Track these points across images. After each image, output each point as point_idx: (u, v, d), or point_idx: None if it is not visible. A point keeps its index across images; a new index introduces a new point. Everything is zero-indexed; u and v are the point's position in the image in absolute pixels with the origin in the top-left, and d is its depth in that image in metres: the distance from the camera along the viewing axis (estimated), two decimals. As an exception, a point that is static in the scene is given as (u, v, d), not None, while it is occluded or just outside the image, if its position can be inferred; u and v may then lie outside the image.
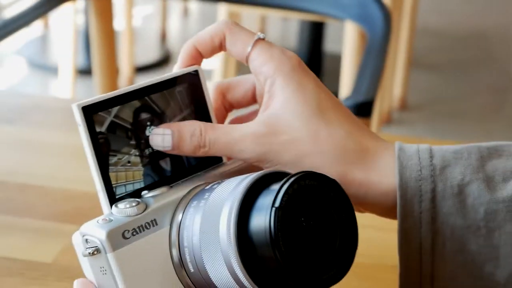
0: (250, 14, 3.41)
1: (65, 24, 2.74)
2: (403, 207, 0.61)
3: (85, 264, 0.59)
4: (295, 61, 0.64)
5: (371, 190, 0.62)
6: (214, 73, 2.41)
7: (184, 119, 0.64)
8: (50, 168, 1.00)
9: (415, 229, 0.61)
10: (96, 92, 2.03)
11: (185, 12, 4.21)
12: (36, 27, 3.69)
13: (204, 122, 0.64)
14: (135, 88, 0.62)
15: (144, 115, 0.62)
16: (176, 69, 0.66)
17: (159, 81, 0.63)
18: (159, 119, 0.63)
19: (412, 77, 3.28)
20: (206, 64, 0.68)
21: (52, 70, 3.21)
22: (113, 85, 1.96)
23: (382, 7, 1.52)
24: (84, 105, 0.59)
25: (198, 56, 0.66)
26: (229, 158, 0.68)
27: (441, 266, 0.61)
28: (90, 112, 0.59)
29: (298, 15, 2.42)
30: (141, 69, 3.31)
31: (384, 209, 0.63)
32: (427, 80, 3.49)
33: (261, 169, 0.63)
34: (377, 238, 0.88)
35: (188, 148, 0.63)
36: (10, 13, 3.59)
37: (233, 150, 0.63)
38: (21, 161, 1.02)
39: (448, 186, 0.61)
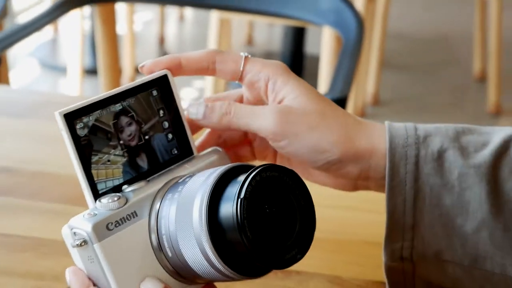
0: (239, 20, 3.41)
1: (73, 28, 2.74)
2: (392, 168, 0.65)
3: (75, 254, 0.60)
4: (283, 66, 0.68)
5: (374, 155, 0.66)
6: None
7: (158, 121, 0.65)
8: (59, 157, 1.00)
9: (400, 186, 0.65)
10: (101, 90, 2.03)
11: (181, 18, 4.20)
12: (47, 32, 3.68)
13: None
14: (110, 94, 0.62)
15: (122, 118, 0.62)
16: (149, 61, 0.66)
17: (132, 86, 0.63)
18: (135, 121, 0.63)
19: (384, 76, 3.29)
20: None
21: (61, 70, 3.21)
22: (116, 83, 1.96)
23: (356, 14, 1.52)
24: (65, 112, 0.59)
25: (178, 67, 0.67)
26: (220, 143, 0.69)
27: (421, 217, 0.65)
28: (71, 118, 0.59)
29: (282, 21, 2.43)
30: (142, 69, 3.29)
31: (382, 173, 0.67)
32: (397, 79, 3.50)
33: (226, 162, 0.65)
34: (350, 217, 0.89)
35: (216, 115, 0.66)
36: (23, 18, 3.59)
37: (253, 120, 0.66)
38: (34, 151, 1.03)
39: (429, 152, 0.65)
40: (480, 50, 3.42)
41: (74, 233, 0.58)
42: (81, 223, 0.58)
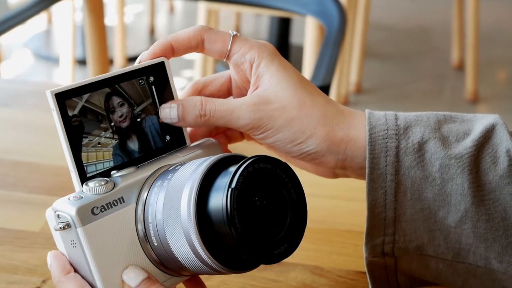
0: (226, 11, 3.38)
1: (66, 20, 2.70)
2: (372, 160, 0.61)
3: (57, 237, 0.56)
4: (271, 47, 0.64)
5: (350, 146, 0.62)
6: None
7: (150, 106, 0.61)
8: (41, 146, 0.96)
9: (381, 179, 0.61)
10: (90, 79, 1.98)
11: (171, 9, 4.17)
12: (40, 23, 3.64)
13: (204, 96, 0.63)
14: (105, 77, 0.58)
15: (114, 101, 0.59)
16: (144, 55, 0.62)
17: (127, 70, 0.60)
18: (128, 105, 0.59)
19: (366, 66, 3.27)
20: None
21: (55, 60, 3.17)
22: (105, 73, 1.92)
23: (338, 4, 1.50)
24: (57, 91, 0.55)
25: (170, 51, 0.63)
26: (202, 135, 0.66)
27: (402, 210, 0.61)
28: (63, 98, 0.56)
29: (269, 12, 2.39)
30: (132, 59, 3.27)
31: (359, 164, 0.62)
32: (378, 67, 3.48)
33: (219, 153, 0.60)
34: (331, 206, 0.85)
35: (191, 117, 0.62)
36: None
37: (231, 117, 0.61)
38: (15, 140, 0.98)
39: (410, 144, 0.61)
40: (458, 40, 3.41)
41: (58, 215, 0.54)
42: (66, 206, 0.54)
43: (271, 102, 0.62)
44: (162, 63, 0.62)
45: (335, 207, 0.85)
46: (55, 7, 3.20)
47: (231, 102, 0.62)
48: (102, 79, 0.58)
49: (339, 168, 0.64)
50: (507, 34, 3.96)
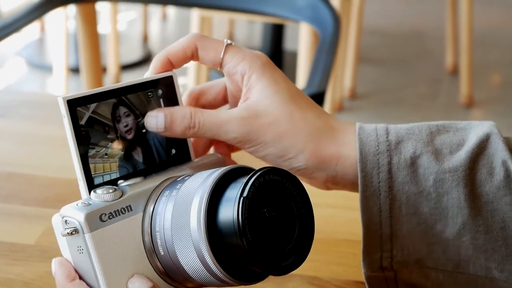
0: (220, 18, 3.37)
1: (59, 28, 2.70)
2: (364, 178, 0.60)
3: (63, 243, 0.56)
4: (264, 58, 0.63)
5: (341, 163, 0.61)
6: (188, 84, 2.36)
7: None
8: (35, 157, 0.95)
9: (375, 196, 0.60)
10: (84, 88, 1.98)
11: (164, 17, 4.17)
12: (33, 31, 3.63)
13: (193, 107, 0.62)
14: (116, 87, 0.59)
15: (120, 111, 0.59)
16: (147, 75, 0.63)
17: (137, 82, 0.60)
18: (133, 116, 0.60)
19: (360, 71, 3.27)
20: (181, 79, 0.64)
21: (48, 69, 3.16)
22: (99, 82, 1.92)
23: (332, 10, 1.50)
24: (69, 98, 0.56)
25: (170, 66, 0.63)
26: (203, 151, 0.66)
27: (399, 226, 0.61)
28: (74, 105, 0.56)
29: (262, 18, 2.39)
30: (126, 67, 3.28)
31: (350, 180, 0.62)
32: (373, 73, 3.48)
33: (225, 165, 0.61)
34: (329, 215, 0.84)
35: (178, 128, 0.61)
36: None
37: (219, 131, 0.61)
38: (9, 151, 0.97)
39: (402, 159, 0.60)
40: (452, 44, 3.41)
41: (66, 221, 0.54)
42: (74, 212, 0.54)
43: (260, 117, 0.61)
44: (171, 77, 0.63)
45: (333, 216, 0.85)
46: (48, 16, 3.19)
47: (221, 114, 0.61)
48: (113, 89, 0.59)
49: (330, 183, 0.64)
50: (501, 38, 3.96)
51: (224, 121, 0.61)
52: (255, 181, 0.52)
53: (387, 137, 0.61)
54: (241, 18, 3.55)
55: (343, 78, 2.97)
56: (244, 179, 0.52)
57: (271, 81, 0.62)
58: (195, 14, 2.27)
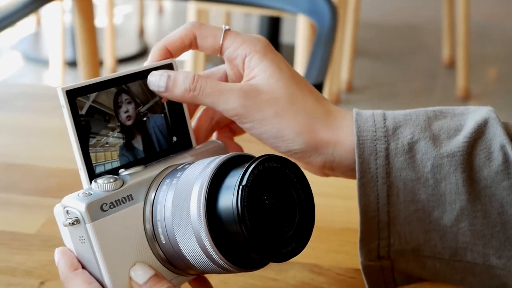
0: (216, 11, 3.37)
1: (55, 22, 2.70)
2: (361, 164, 0.60)
3: (65, 233, 0.56)
4: (264, 41, 0.63)
5: (338, 148, 0.61)
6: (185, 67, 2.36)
7: (157, 104, 0.61)
8: (33, 148, 0.96)
9: (372, 183, 0.60)
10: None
11: (160, 10, 4.17)
12: (30, 25, 3.62)
13: (198, 73, 0.62)
14: (115, 76, 0.59)
15: (122, 97, 0.59)
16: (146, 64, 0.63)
17: (136, 71, 0.60)
18: (134, 105, 0.60)
19: (357, 64, 3.27)
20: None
21: (44, 63, 3.15)
22: (96, 75, 1.92)
23: (329, 2, 1.50)
24: (68, 89, 0.56)
25: (168, 55, 0.63)
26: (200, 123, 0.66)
27: (396, 213, 0.61)
28: (73, 95, 0.56)
29: (258, 11, 2.39)
30: (122, 61, 3.27)
31: (348, 166, 0.62)
32: (369, 66, 3.48)
33: (226, 152, 0.61)
34: (328, 205, 0.85)
35: (179, 90, 0.60)
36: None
37: (219, 99, 0.60)
38: (6, 143, 0.98)
39: (400, 145, 0.60)
40: (448, 38, 3.41)
41: (67, 211, 0.54)
42: (75, 202, 0.54)
43: (261, 93, 0.61)
44: (171, 65, 0.62)
45: (332, 205, 0.85)
46: (44, 9, 3.19)
47: (223, 84, 0.61)
48: (112, 78, 0.59)
49: (328, 169, 0.63)
50: (498, 31, 3.97)
51: (226, 90, 0.60)
52: (254, 169, 0.52)
53: (384, 123, 0.61)
54: (237, 11, 3.55)
55: (340, 71, 2.98)
56: (244, 167, 0.52)
57: (273, 62, 0.62)
58: (192, 7, 2.27)
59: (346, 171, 0.63)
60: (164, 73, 0.60)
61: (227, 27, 0.63)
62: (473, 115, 0.62)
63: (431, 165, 0.59)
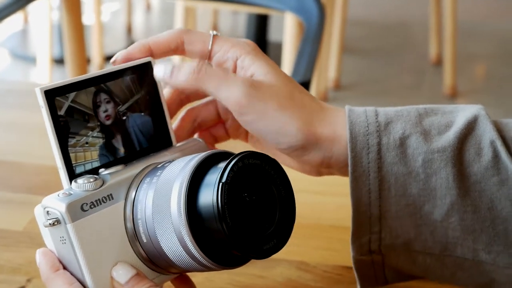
0: (204, 8, 3.37)
1: (42, 19, 2.69)
2: (354, 158, 0.60)
3: (46, 234, 0.56)
4: (253, 45, 0.63)
5: (336, 143, 0.61)
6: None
7: (136, 103, 0.61)
8: (22, 145, 0.95)
9: (364, 177, 0.61)
10: (68, 78, 1.97)
11: (148, 7, 4.16)
12: (17, 22, 3.61)
13: None
14: (93, 76, 0.58)
15: (101, 97, 0.59)
16: (121, 55, 0.62)
17: (114, 70, 0.60)
18: (113, 104, 0.60)
19: (345, 61, 3.27)
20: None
21: (32, 60, 3.14)
22: (83, 72, 1.92)
23: (317, 0, 1.50)
24: (46, 89, 0.55)
25: (149, 53, 0.63)
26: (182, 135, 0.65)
27: (387, 207, 0.61)
28: (52, 95, 0.56)
29: (246, 9, 2.39)
30: (110, 58, 3.22)
31: (344, 162, 0.62)
32: (357, 63, 3.49)
33: (206, 150, 0.60)
34: (316, 202, 0.85)
35: (184, 73, 0.59)
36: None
37: (223, 83, 0.60)
38: (-5, 140, 0.97)
39: (391, 140, 0.60)
40: (436, 35, 3.42)
41: (47, 212, 0.54)
42: (55, 203, 0.54)
43: (264, 86, 0.61)
44: (149, 63, 0.62)
45: (320, 202, 0.85)
46: (31, 7, 3.18)
47: (228, 73, 0.61)
48: (90, 78, 0.58)
49: (325, 166, 0.64)
50: (485, 29, 3.98)
51: (231, 76, 0.60)
52: (234, 166, 0.52)
53: (376, 118, 0.61)
54: (225, 9, 3.54)
55: (328, 68, 2.98)
56: (223, 164, 0.52)
57: (266, 62, 0.62)
58: (179, 4, 2.27)
59: (342, 167, 0.63)
60: (169, 62, 0.60)
61: (215, 32, 0.63)
62: (463, 112, 0.63)
63: (422, 159, 0.60)
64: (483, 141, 0.60)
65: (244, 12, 3.28)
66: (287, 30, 2.05)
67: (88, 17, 3.15)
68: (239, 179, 0.52)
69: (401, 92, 3.20)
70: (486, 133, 0.61)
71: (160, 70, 0.61)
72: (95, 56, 3.09)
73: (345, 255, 0.75)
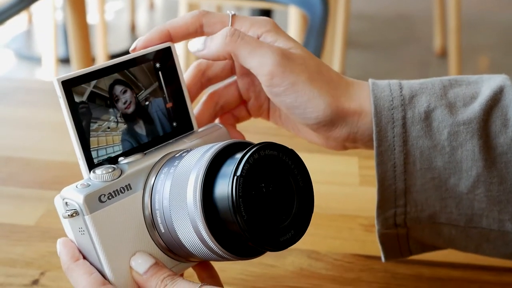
0: (207, 5, 3.37)
1: (46, 19, 2.69)
2: (379, 133, 0.60)
3: (66, 224, 0.56)
4: (272, 21, 0.63)
5: (362, 118, 0.61)
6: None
7: (157, 89, 0.61)
8: (31, 142, 0.96)
9: (389, 151, 0.61)
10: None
11: (151, 6, 4.16)
12: (21, 23, 3.61)
13: None
14: (112, 63, 0.58)
15: (116, 90, 0.59)
16: (141, 41, 0.62)
17: (133, 56, 0.60)
18: (134, 90, 0.60)
19: (348, 55, 3.27)
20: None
21: (37, 60, 3.15)
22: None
23: (320, -8, 1.50)
24: (63, 79, 0.56)
25: (167, 38, 0.62)
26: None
27: (413, 181, 0.61)
28: (69, 85, 0.56)
29: (250, 3, 2.39)
30: (114, 57, 3.25)
31: (370, 136, 0.62)
32: (361, 57, 3.48)
33: (226, 139, 0.60)
34: (325, 192, 0.85)
35: (217, 39, 0.60)
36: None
37: (257, 50, 0.59)
38: (5, 136, 0.98)
39: (416, 113, 0.60)
40: (440, 27, 3.42)
41: (66, 203, 0.54)
42: (73, 194, 0.54)
43: (294, 58, 0.60)
44: (169, 48, 0.62)
45: (328, 192, 0.86)
46: (35, 7, 3.18)
47: (262, 41, 0.61)
48: (108, 66, 0.58)
49: (350, 141, 0.63)
50: (489, 20, 3.98)
51: (264, 45, 0.60)
52: (250, 158, 0.51)
53: (401, 92, 0.61)
54: (229, 4, 3.55)
55: (332, 63, 2.98)
56: (239, 156, 0.52)
57: (289, 37, 0.62)
58: (183, 1, 2.26)
59: (367, 142, 0.62)
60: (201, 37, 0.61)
61: (232, 12, 0.63)
62: (488, 82, 0.62)
63: (448, 132, 0.60)
64: (509, 112, 0.60)
65: (247, 7, 3.28)
66: (291, 24, 2.05)
67: (92, 16, 3.16)
68: (255, 171, 0.51)
69: (406, 85, 3.19)
70: None
71: (193, 45, 0.61)
72: (100, 54, 3.09)
73: (354, 244, 0.76)
